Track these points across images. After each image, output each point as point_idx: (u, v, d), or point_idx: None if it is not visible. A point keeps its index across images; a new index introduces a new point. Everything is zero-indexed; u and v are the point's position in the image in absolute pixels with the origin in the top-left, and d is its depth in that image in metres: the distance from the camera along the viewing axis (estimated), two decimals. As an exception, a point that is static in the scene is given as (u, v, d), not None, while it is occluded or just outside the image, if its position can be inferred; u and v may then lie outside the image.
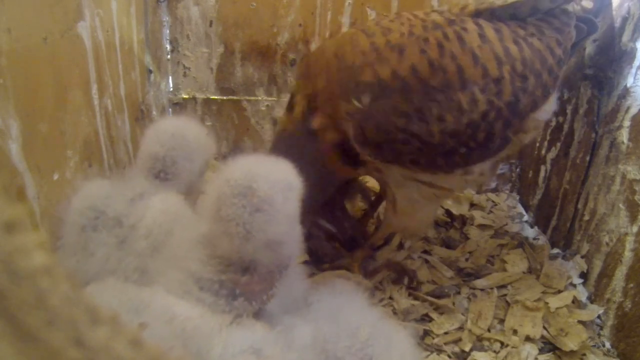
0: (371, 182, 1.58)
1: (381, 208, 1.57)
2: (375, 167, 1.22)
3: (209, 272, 0.85)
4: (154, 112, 1.73)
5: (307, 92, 1.20)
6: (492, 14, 1.19)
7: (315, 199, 1.23)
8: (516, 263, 1.51)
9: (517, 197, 1.88)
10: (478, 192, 1.89)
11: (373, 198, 1.59)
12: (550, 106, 1.25)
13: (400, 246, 1.56)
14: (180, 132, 1.09)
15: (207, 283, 0.85)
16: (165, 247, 0.96)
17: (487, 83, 1.10)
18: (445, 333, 1.26)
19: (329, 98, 1.15)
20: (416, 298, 1.36)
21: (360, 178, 1.59)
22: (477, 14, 1.20)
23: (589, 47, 1.44)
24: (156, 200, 1.03)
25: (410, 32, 1.13)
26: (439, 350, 1.22)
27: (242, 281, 0.85)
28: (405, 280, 1.40)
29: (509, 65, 1.11)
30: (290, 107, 1.27)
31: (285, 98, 1.87)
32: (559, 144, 1.60)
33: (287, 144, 1.24)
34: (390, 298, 1.36)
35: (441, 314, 1.32)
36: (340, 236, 1.49)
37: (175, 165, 1.08)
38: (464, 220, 1.70)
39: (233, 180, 0.82)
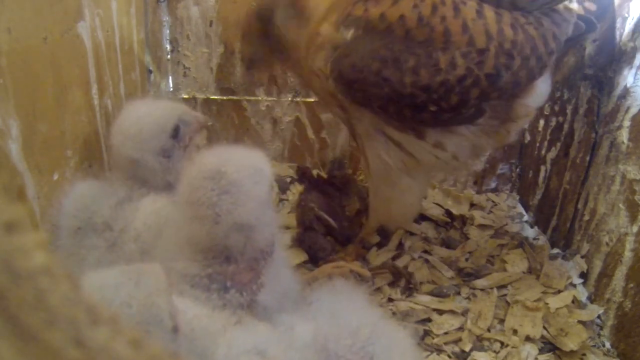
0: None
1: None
2: (341, 104, 1.23)
3: (196, 267, 0.87)
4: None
5: None
6: (498, 1, 1.20)
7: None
8: (516, 263, 1.51)
9: (517, 197, 1.88)
10: (478, 192, 1.89)
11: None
12: (541, 91, 1.26)
13: (400, 247, 1.56)
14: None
15: (196, 279, 0.86)
16: (155, 249, 0.97)
17: (470, 51, 1.12)
18: (445, 333, 1.26)
19: (332, 7, 1.18)
20: (415, 302, 1.35)
21: (360, 179, 1.60)
22: None
23: (589, 47, 1.44)
24: (145, 202, 1.03)
25: None
26: (439, 350, 1.22)
27: (229, 271, 0.87)
28: (402, 283, 1.40)
29: (497, 42, 1.13)
30: None
31: (285, 98, 1.87)
32: (559, 144, 1.60)
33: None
34: (390, 300, 1.36)
35: (441, 314, 1.32)
36: (338, 233, 1.50)
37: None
38: (464, 220, 1.70)
39: (203, 165, 0.86)
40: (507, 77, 1.15)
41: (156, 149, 1.06)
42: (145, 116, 1.07)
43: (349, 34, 1.14)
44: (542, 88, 1.26)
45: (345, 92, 1.17)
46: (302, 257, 1.47)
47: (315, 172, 1.62)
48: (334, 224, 1.47)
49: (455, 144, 1.23)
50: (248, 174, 0.87)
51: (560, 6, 1.24)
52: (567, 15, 1.23)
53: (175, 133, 1.08)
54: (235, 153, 0.90)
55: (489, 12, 1.15)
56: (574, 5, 1.27)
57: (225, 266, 0.87)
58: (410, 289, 1.38)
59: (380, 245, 1.56)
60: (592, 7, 1.29)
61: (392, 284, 1.41)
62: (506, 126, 1.24)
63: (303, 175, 1.58)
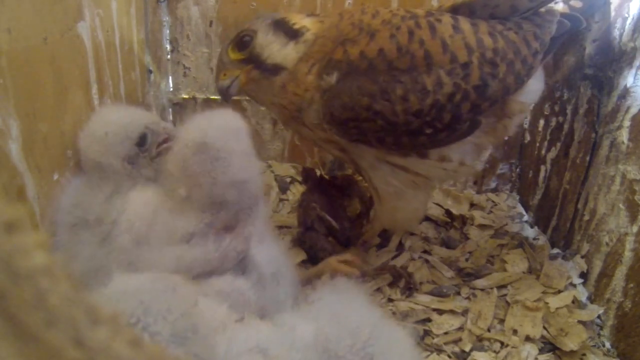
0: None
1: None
2: (339, 146, 1.24)
3: (193, 223, 1.01)
4: (154, 112, 1.73)
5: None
6: (471, 11, 1.22)
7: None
8: (516, 263, 1.51)
9: (517, 197, 1.88)
10: (478, 192, 1.89)
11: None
12: (533, 88, 1.27)
13: (400, 247, 1.56)
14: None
15: (194, 234, 1.01)
16: (149, 237, 0.99)
17: (454, 67, 1.13)
18: (445, 333, 1.26)
19: (320, 48, 1.20)
20: (415, 302, 1.35)
21: (359, 179, 1.60)
22: (453, 10, 1.23)
23: (589, 47, 1.44)
24: (134, 193, 1.04)
25: (385, 20, 1.18)
26: (439, 350, 1.22)
27: (221, 216, 1.03)
28: (402, 283, 1.40)
29: (479, 52, 1.14)
30: None
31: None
32: (559, 144, 1.60)
33: None
34: (390, 300, 1.36)
35: (441, 314, 1.32)
36: (339, 234, 1.50)
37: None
38: (464, 220, 1.70)
39: (189, 141, 0.99)
40: (494, 85, 1.15)
41: (121, 154, 1.08)
42: (112, 121, 1.09)
43: (333, 77, 1.15)
44: (534, 85, 1.26)
45: (341, 133, 1.18)
46: (302, 256, 1.47)
47: (318, 172, 1.62)
48: (336, 225, 1.47)
49: (459, 151, 1.24)
50: (229, 137, 1.00)
51: (542, 9, 1.24)
52: (549, 16, 1.24)
53: (142, 141, 1.10)
54: (212, 120, 1.03)
55: (465, 24, 1.17)
56: (559, 5, 1.28)
57: (217, 213, 1.03)
58: (410, 289, 1.38)
59: (380, 246, 1.56)
60: (577, 4, 1.30)
61: (391, 285, 1.40)
62: (503, 122, 1.25)
63: (307, 176, 1.58)
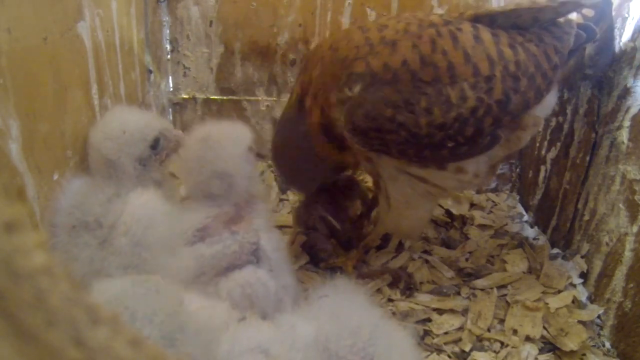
0: (370, 184, 1.58)
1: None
2: (365, 156, 1.24)
3: (198, 220, 1.11)
4: (154, 112, 1.73)
5: (303, 80, 1.28)
6: (492, 21, 1.21)
7: (309, 182, 1.43)
8: (516, 263, 1.51)
9: (517, 197, 1.88)
10: (478, 192, 1.89)
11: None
12: (549, 103, 1.26)
13: (400, 247, 1.56)
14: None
15: (204, 229, 1.10)
16: (145, 241, 1.00)
17: (477, 81, 1.12)
18: (445, 333, 1.26)
19: (321, 86, 1.21)
20: (415, 302, 1.35)
21: (360, 179, 1.60)
22: (475, 19, 1.22)
23: (589, 47, 1.43)
24: (133, 196, 1.05)
25: (406, 29, 1.16)
26: (439, 350, 1.22)
27: (223, 211, 1.14)
28: (401, 285, 1.39)
29: (502, 65, 1.13)
30: (291, 95, 1.34)
31: (285, 98, 1.87)
32: (559, 144, 1.60)
33: (285, 126, 1.36)
34: (390, 300, 1.36)
35: (441, 314, 1.32)
36: (341, 235, 1.50)
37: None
38: (464, 220, 1.70)
39: (197, 132, 1.17)
40: (516, 99, 1.15)
41: (134, 155, 1.10)
42: (131, 121, 1.12)
43: (356, 89, 1.14)
44: (549, 99, 1.26)
45: (363, 142, 1.17)
46: (304, 258, 1.47)
47: None
48: (338, 226, 1.47)
49: (474, 163, 1.24)
50: (229, 137, 1.16)
51: (560, 19, 1.23)
52: (568, 28, 1.23)
53: (155, 144, 1.13)
54: (223, 125, 1.20)
55: (485, 34, 1.16)
56: (573, 15, 1.27)
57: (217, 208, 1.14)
58: (410, 289, 1.38)
59: (380, 246, 1.56)
60: (589, 13, 1.29)
61: (391, 285, 1.40)
62: (516, 134, 1.24)
63: None
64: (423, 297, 1.37)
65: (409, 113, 1.11)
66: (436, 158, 1.19)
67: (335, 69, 1.18)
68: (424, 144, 1.14)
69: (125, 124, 1.10)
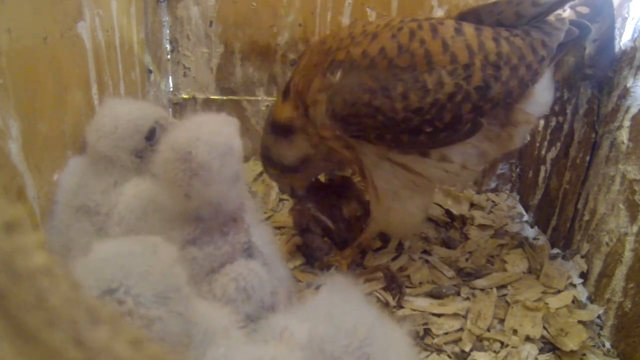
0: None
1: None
2: (347, 143, 1.26)
3: (186, 232, 0.97)
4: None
5: (293, 72, 1.36)
6: (477, 18, 1.23)
7: (296, 180, 1.46)
8: (516, 263, 1.51)
9: (517, 197, 1.88)
10: (478, 192, 1.89)
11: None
12: (541, 100, 1.26)
13: (400, 247, 1.56)
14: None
15: (194, 239, 0.97)
16: (138, 231, 0.98)
17: (455, 68, 1.14)
18: (445, 333, 1.26)
19: (305, 74, 1.27)
20: (415, 303, 1.35)
21: (357, 182, 1.60)
22: (461, 17, 1.25)
23: (589, 47, 1.43)
24: (128, 186, 1.04)
25: (388, 24, 1.22)
26: (439, 350, 1.22)
27: (213, 225, 0.99)
28: (394, 290, 1.38)
29: (482, 55, 1.15)
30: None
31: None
32: (559, 144, 1.60)
33: (267, 122, 1.42)
34: (386, 305, 1.35)
35: (441, 314, 1.31)
36: (335, 234, 1.49)
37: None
38: (464, 220, 1.70)
39: (176, 144, 0.91)
40: (496, 87, 1.16)
41: (130, 148, 1.07)
42: (123, 114, 1.08)
43: (337, 76, 1.19)
44: (542, 96, 1.26)
45: (342, 128, 1.20)
46: (299, 259, 1.47)
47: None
48: (331, 225, 1.47)
49: (461, 153, 1.24)
50: (217, 154, 0.91)
51: (552, 17, 1.24)
52: (559, 24, 1.23)
53: (151, 135, 1.09)
54: (206, 129, 0.93)
55: (468, 28, 1.18)
56: (566, 12, 1.26)
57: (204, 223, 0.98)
58: (401, 295, 1.36)
59: (380, 247, 1.55)
60: (584, 10, 1.29)
61: (384, 289, 1.39)
62: (507, 130, 1.24)
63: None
64: (423, 298, 1.36)
65: (385, 98, 1.14)
66: (415, 143, 1.20)
67: (320, 59, 1.24)
68: (401, 129, 1.16)
69: (118, 117, 1.07)
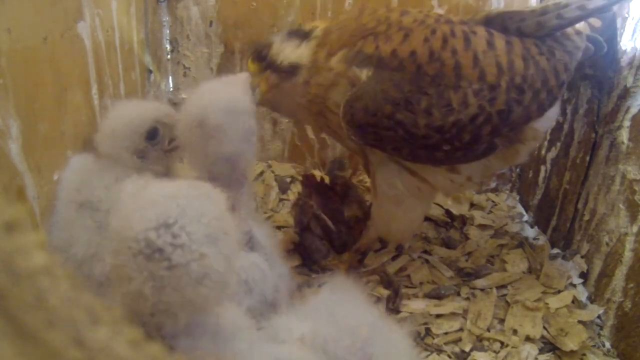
0: (368, 184, 1.57)
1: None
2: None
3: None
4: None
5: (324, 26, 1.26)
6: (503, 25, 1.20)
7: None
8: (516, 263, 1.51)
9: (517, 197, 1.88)
10: (478, 192, 1.89)
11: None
12: (550, 117, 1.26)
13: (399, 247, 1.56)
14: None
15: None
16: None
17: (481, 87, 1.12)
18: (445, 333, 1.26)
19: (339, 35, 1.20)
20: (414, 303, 1.35)
21: (357, 183, 1.59)
22: (487, 21, 1.22)
23: (589, 47, 1.43)
24: (127, 183, 1.04)
25: (423, 20, 1.17)
26: (439, 350, 1.22)
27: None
28: (390, 291, 1.37)
29: (509, 76, 1.13)
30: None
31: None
32: (559, 144, 1.60)
33: None
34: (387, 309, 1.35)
35: (441, 314, 1.31)
36: (335, 236, 1.49)
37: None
38: (464, 220, 1.70)
39: (190, 113, 1.01)
40: (518, 111, 1.15)
41: (130, 149, 1.08)
42: (119, 117, 1.08)
43: (364, 74, 1.14)
44: (552, 111, 1.26)
45: (358, 135, 1.17)
46: (297, 259, 1.47)
47: (318, 175, 1.61)
48: (332, 226, 1.47)
49: (469, 167, 1.24)
50: (228, 115, 1.00)
51: (571, 30, 1.22)
52: (578, 42, 1.22)
53: (152, 135, 1.09)
54: (215, 94, 1.03)
55: (499, 42, 1.15)
56: (580, 25, 1.25)
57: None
58: (396, 299, 1.35)
59: (377, 250, 1.55)
60: (597, 23, 1.28)
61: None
62: (515, 147, 1.24)
63: (308, 182, 1.56)
64: (422, 298, 1.36)
65: (408, 112, 1.11)
66: (430, 158, 1.19)
67: (355, 31, 1.19)
68: (419, 145, 1.14)
69: (115, 119, 1.08)
